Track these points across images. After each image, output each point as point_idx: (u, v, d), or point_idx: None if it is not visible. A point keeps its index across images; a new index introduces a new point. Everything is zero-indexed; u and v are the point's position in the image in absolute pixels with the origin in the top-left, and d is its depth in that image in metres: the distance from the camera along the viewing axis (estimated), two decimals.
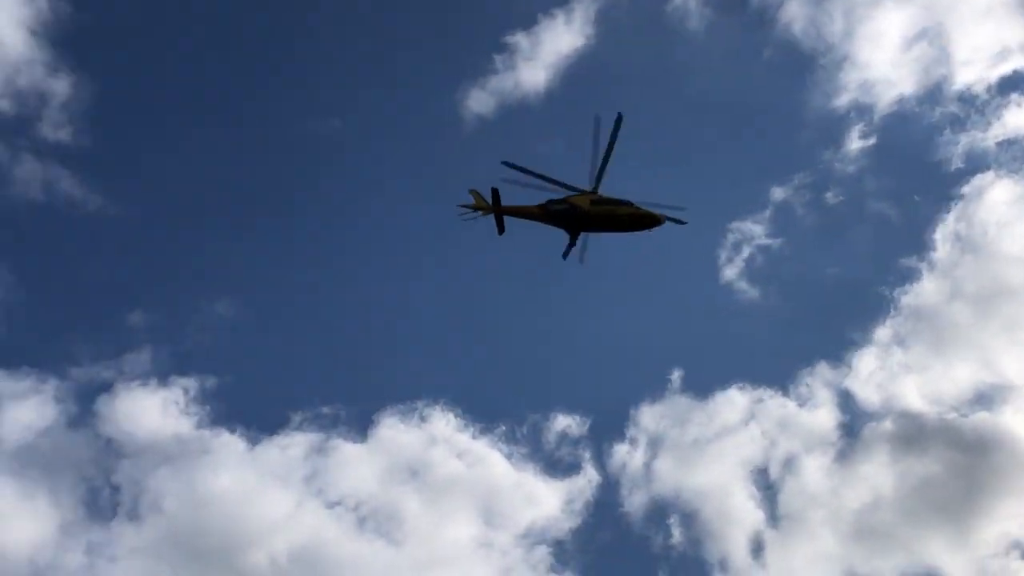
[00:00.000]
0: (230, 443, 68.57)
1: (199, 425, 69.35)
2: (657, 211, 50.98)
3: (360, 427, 70.80)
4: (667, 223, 50.89)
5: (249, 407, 70.11)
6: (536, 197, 51.69)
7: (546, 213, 52.15)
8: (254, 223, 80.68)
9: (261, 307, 77.27)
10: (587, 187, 50.83)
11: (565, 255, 52.48)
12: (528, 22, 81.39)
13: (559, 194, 51.08)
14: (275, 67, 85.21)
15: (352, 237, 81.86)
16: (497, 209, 51.84)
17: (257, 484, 68.29)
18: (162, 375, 70.36)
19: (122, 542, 64.12)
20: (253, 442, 68.71)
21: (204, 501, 66.58)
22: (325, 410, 70.29)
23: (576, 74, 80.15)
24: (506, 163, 49.54)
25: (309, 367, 75.47)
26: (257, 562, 64.08)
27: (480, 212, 52.64)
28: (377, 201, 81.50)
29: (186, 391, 69.88)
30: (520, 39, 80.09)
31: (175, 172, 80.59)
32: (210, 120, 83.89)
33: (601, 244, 66.10)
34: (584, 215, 51.15)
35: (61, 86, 74.77)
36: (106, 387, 69.17)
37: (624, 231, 51.47)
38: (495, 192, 51.28)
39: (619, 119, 48.11)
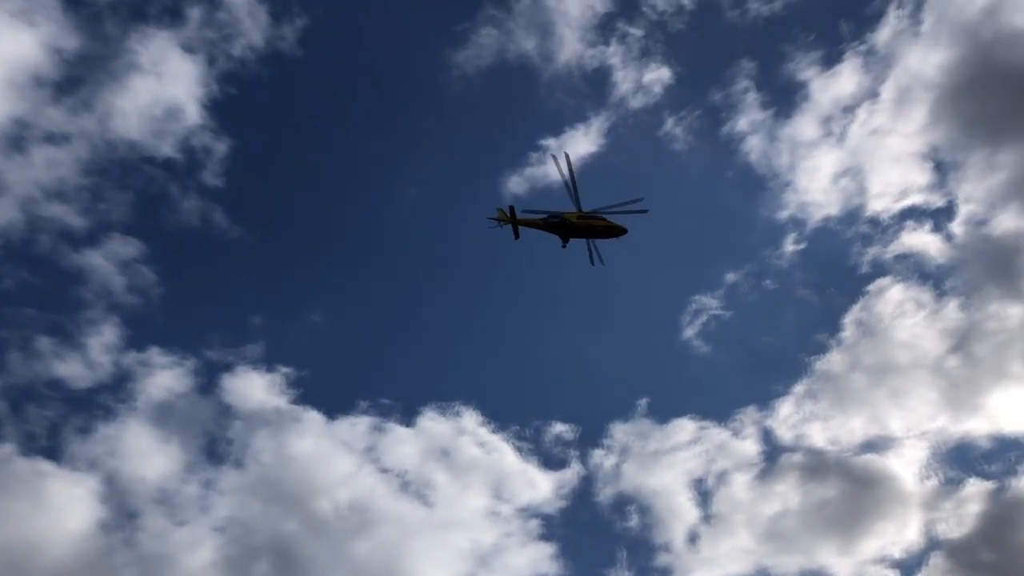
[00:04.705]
0: (313, 418, 77.78)
1: (293, 402, 78.28)
2: (621, 222, 60.19)
3: (409, 416, 79.87)
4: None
5: (329, 393, 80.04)
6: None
7: (547, 224, 61.15)
8: (344, 256, 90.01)
9: (344, 320, 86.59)
10: (585, 209, 59.97)
11: (564, 246, 61.46)
12: (557, 131, 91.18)
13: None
14: (378, 143, 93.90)
15: (414, 273, 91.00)
16: (513, 220, 60.84)
17: (329, 450, 77.22)
18: (270, 363, 79.48)
19: (228, 482, 73.99)
20: (330, 418, 78.17)
21: (290, 458, 75.91)
22: (385, 401, 79.47)
23: (590, 171, 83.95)
24: (566, 153, 58.98)
25: (376, 368, 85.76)
26: (324, 507, 74.18)
27: (501, 223, 61.10)
28: (437, 247, 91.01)
29: (286, 376, 78.86)
30: (552, 142, 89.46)
31: (294, 215, 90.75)
32: (321, 178, 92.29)
33: (605, 299, 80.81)
34: (572, 226, 60.35)
35: (221, 147, 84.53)
36: (229, 367, 78.82)
37: (601, 237, 60.64)
38: (511, 208, 60.73)
39: (567, 156, 58.42)
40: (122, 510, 70.26)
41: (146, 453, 73.51)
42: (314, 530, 72.87)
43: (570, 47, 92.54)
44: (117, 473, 71.57)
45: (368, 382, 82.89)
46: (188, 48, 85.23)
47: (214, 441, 75.52)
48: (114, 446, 72.85)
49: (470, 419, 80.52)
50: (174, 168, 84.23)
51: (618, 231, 60.83)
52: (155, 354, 77.41)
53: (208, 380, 77.87)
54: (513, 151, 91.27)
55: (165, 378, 76.84)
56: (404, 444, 79.19)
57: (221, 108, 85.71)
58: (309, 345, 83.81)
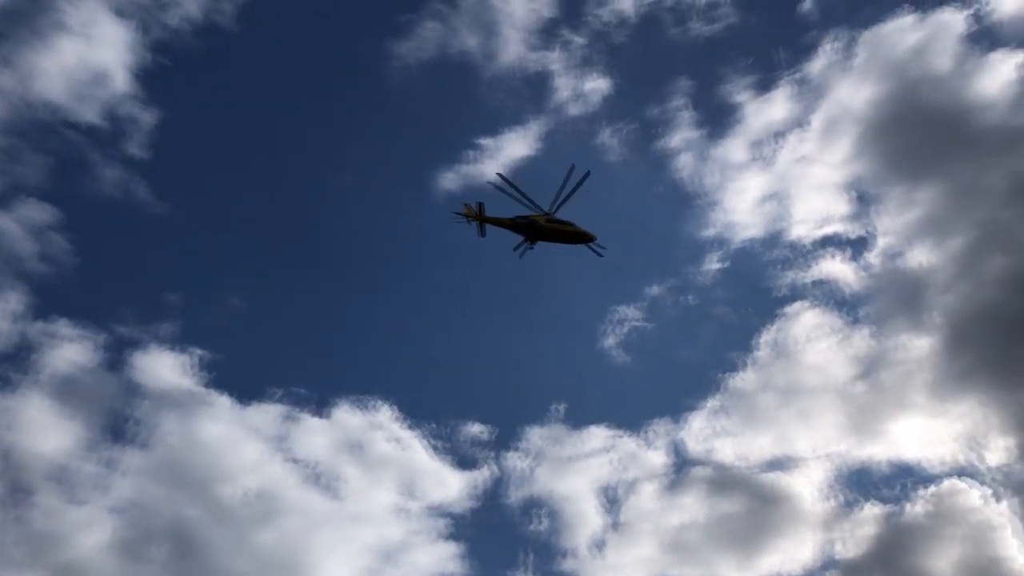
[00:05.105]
0: (224, 402, 76.44)
1: (204, 385, 76.86)
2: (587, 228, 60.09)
3: (323, 407, 79.08)
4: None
5: (243, 378, 78.76)
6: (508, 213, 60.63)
7: (514, 224, 60.34)
8: (269, 240, 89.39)
9: (264, 305, 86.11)
10: (547, 211, 59.53)
11: (521, 256, 61.05)
12: (494, 132, 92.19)
13: (525, 211, 59.87)
14: (312, 128, 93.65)
15: (340, 263, 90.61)
16: (481, 218, 59.91)
17: (239, 436, 75.87)
18: (183, 344, 77.86)
19: (131, 462, 71.65)
20: (242, 404, 76.79)
21: (198, 442, 74.63)
22: (300, 390, 78.40)
23: (524, 173, 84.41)
24: (499, 175, 58.91)
25: (293, 356, 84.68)
26: (230, 494, 72.99)
27: (468, 218, 60.00)
28: (366, 238, 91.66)
29: (200, 358, 77.35)
30: (488, 142, 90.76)
31: (222, 195, 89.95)
32: (253, 159, 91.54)
33: (529, 303, 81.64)
34: (541, 228, 60.06)
35: (148, 118, 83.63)
36: (140, 345, 76.91)
37: (568, 243, 60.64)
38: (480, 205, 59.92)
39: (587, 175, 58.02)
40: (16, 486, 68.04)
41: (45, 428, 71.16)
42: (217, 517, 71.66)
43: (513, 49, 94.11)
44: (13, 447, 69.27)
45: (284, 370, 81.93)
46: (120, 13, 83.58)
47: (119, 420, 73.38)
48: (11, 419, 70.57)
49: (386, 414, 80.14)
50: (97, 135, 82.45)
51: (587, 238, 60.91)
52: (63, 325, 75.26)
53: (117, 356, 75.83)
54: (449, 147, 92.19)
55: (71, 351, 74.63)
56: (316, 435, 78.38)
57: (152, 78, 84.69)
58: (226, 328, 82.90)
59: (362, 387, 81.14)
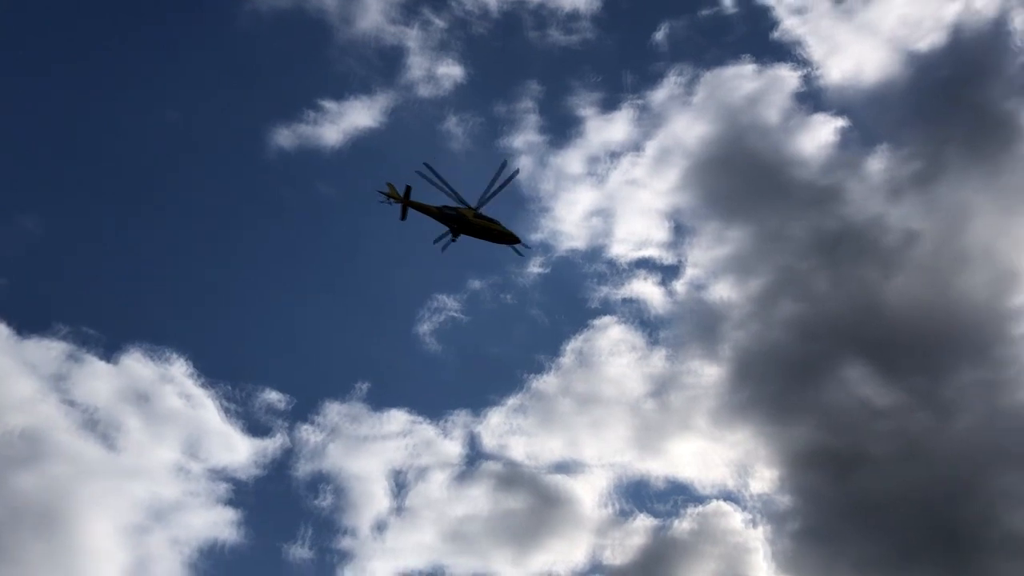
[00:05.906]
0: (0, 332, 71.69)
1: None
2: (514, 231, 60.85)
3: (112, 351, 75.72)
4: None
5: (26, 307, 74.62)
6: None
7: (441, 214, 60.02)
8: (76, 162, 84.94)
9: (62, 233, 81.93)
10: (473, 205, 59.84)
11: (436, 241, 60.48)
12: (339, 96, 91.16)
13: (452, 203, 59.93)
14: (144, 53, 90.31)
15: (154, 201, 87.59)
16: (406, 201, 58.95)
17: (12, 370, 71.55)
18: None
19: None
20: (20, 335, 72.91)
21: None
22: (89, 330, 74.83)
23: (362, 144, 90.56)
24: (426, 164, 58.01)
25: (86, 293, 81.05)
26: None
27: (392, 200, 58.90)
28: (186, 181, 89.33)
29: None
30: (332, 106, 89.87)
31: (31, 108, 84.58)
32: (73, 75, 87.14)
33: (348, 279, 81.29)
34: (468, 223, 59.93)
35: None
36: None
37: (492, 241, 60.85)
38: (407, 188, 58.60)
39: (515, 172, 59.89)
40: None
41: None
42: None
43: (372, 17, 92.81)
44: None
45: (74, 306, 77.71)
46: None
47: None
48: None
49: (179, 368, 77.50)
50: None
51: (512, 239, 60.75)
52: None
53: None
54: (289, 104, 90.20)
55: None
56: (100, 380, 74.87)
57: None
58: (14, 252, 78.10)
59: (157, 336, 77.80)
